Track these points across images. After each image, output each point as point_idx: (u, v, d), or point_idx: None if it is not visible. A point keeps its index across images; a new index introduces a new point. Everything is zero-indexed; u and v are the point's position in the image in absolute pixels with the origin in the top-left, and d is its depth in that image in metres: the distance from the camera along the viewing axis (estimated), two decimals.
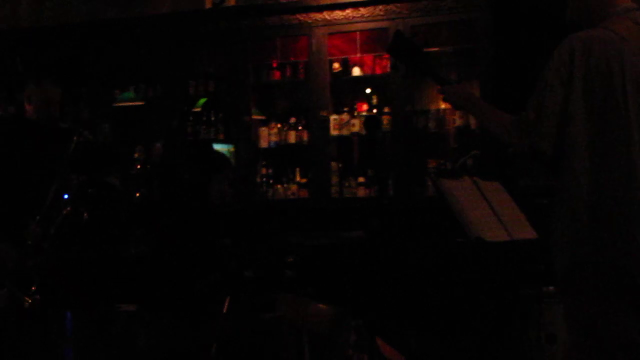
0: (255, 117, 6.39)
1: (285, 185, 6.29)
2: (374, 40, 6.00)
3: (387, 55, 5.66)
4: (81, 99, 6.47)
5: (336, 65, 6.16)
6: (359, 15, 5.93)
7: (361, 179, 6.09)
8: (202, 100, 6.51)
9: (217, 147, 6.05)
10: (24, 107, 4.53)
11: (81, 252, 4.63)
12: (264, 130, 6.37)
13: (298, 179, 6.31)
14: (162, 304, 4.02)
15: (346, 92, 6.32)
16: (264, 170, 6.39)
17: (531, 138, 2.44)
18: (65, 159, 4.29)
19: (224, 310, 3.23)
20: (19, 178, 4.24)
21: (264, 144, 6.35)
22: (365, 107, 6.19)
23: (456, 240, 3.30)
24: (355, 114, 6.18)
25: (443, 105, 5.84)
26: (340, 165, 6.17)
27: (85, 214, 4.42)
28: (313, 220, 5.90)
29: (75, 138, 4.32)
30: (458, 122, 5.85)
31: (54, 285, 4.16)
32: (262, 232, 5.58)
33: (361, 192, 6.06)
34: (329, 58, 6.11)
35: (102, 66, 6.47)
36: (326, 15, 6.00)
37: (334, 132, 6.13)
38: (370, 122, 5.67)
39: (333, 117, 6.14)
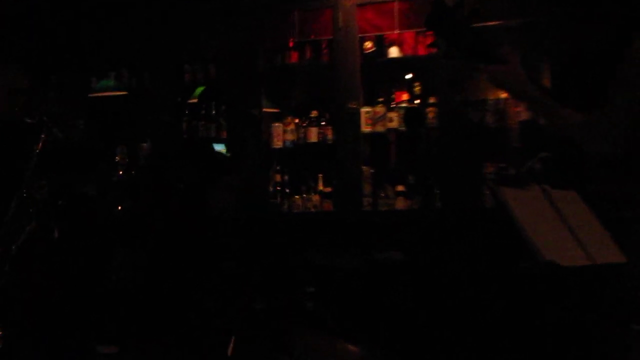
0: (266, 110, 6.44)
1: (304, 196, 6.33)
2: (415, 12, 5.95)
3: (432, 32, 5.62)
4: (51, 88, 6.27)
5: (368, 44, 6.19)
6: None
7: (400, 188, 6.11)
8: (200, 89, 6.56)
9: (218, 147, 6.17)
10: None
11: (50, 277, 4.60)
12: (277, 127, 6.41)
13: (321, 187, 6.33)
14: (149, 344, 4.03)
15: (381, 78, 6.31)
16: (278, 177, 6.42)
17: (600, 140, 2.46)
18: (31, 163, 4.26)
19: (229, 353, 3.29)
20: None
21: (277, 143, 6.39)
22: (405, 96, 6.19)
23: (521, 264, 3.19)
24: (393, 105, 6.17)
25: (504, 94, 5.74)
26: (373, 171, 6.19)
27: (55, 231, 4.42)
28: (340, 238, 5.92)
29: (42, 136, 4.32)
30: (523, 115, 5.75)
31: (16, 320, 4.17)
32: (277, 254, 5.49)
33: (400, 204, 6.07)
34: (360, 35, 6.11)
35: (76, 48, 6.53)
36: None
37: (365, 129, 6.16)
38: (412, 115, 5.81)
39: (365, 109, 6.17)
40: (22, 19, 6.46)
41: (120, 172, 6.07)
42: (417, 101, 6.13)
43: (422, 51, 6.12)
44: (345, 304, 4.61)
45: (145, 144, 6.42)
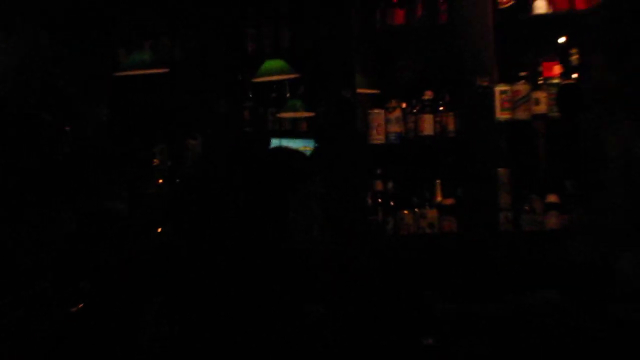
0: (362, 91, 5.90)
1: (417, 211, 5.78)
2: None
3: None
4: (64, 65, 5.64)
5: None
6: None
7: (552, 198, 5.55)
8: (272, 64, 5.98)
9: (294, 144, 5.88)
10: None
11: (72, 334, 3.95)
12: (378, 115, 5.84)
13: (439, 198, 5.78)
14: None
15: (524, 45, 5.80)
16: (379, 185, 5.88)
17: None
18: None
19: None
20: None
21: (378, 137, 5.84)
22: (557, 69, 5.61)
23: None
24: (540, 81, 5.61)
25: None
26: (513, 174, 5.62)
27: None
28: (468, 271, 5.42)
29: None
30: None
31: None
32: (379, 294, 4.93)
33: (552, 221, 5.50)
34: None
35: (97, 11, 6.09)
36: None
37: (501, 115, 5.59)
38: (567, 95, 5.15)
39: (500, 88, 5.60)
40: None
41: (160, 181, 5.58)
42: (575, 75, 5.52)
43: (581, 5, 5.52)
44: None
45: (193, 141, 5.89)
